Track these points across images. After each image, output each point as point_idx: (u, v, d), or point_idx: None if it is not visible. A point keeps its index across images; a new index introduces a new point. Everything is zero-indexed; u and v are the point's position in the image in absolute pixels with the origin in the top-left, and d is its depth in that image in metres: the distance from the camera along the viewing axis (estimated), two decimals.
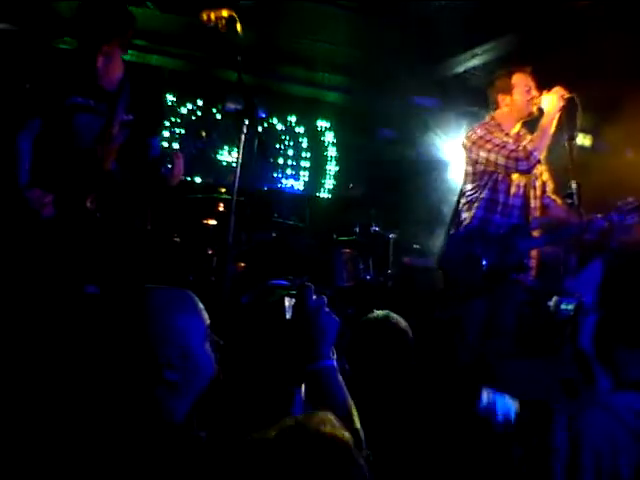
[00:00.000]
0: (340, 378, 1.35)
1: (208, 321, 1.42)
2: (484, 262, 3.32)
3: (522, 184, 3.47)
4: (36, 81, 3.17)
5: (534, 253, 3.47)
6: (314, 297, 1.39)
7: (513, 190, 3.45)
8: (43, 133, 3.13)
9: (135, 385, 1.29)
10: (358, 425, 1.30)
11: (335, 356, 1.38)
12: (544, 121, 3.29)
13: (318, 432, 0.93)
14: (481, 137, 3.43)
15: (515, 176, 3.42)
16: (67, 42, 5.50)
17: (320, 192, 6.92)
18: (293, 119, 6.75)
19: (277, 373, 1.47)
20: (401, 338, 2.29)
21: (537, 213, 3.53)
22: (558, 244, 3.35)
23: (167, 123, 6.27)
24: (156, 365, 1.29)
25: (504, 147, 3.33)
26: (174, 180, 3.32)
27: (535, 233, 3.47)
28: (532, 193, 3.50)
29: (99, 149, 3.19)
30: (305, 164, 6.86)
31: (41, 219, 3.02)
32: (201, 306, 1.43)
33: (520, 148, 3.30)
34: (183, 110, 6.35)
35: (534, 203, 3.51)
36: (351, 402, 1.34)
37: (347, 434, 0.96)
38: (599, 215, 3.23)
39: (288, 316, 1.42)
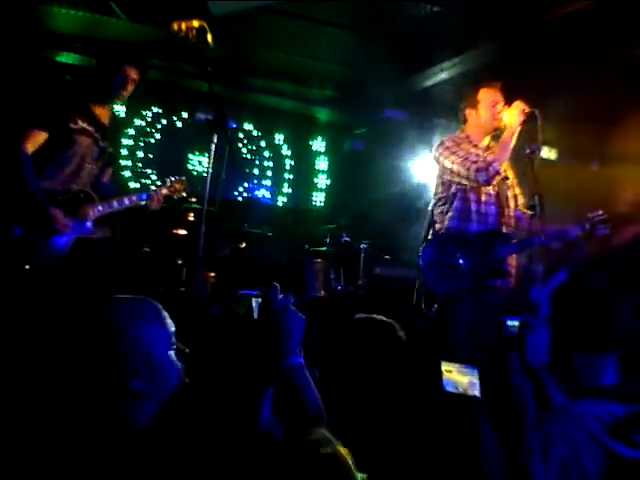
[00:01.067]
0: (308, 376, 1.36)
1: (173, 328, 1.43)
2: (463, 269, 3.33)
3: (493, 192, 3.50)
4: (46, 98, 3.36)
5: (512, 261, 3.49)
6: (280, 297, 1.41)
7: (484, 198, 3.48)
8: (45, 148, 3.26)
9: (101, 395, 1.29)
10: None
11: (302, 354, 1.39)
12: (505, 135, 3.37)
13: (318, 454, 0.93)
14: (447, 148, 3.49)
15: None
16: (64, 55, 5.52)
17: (292, 203, 6.94)
18: (270, 131, 6.78)
19: (246, 374, 1.47)
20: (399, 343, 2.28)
21: (512, 222, 3.56)
22: (530, 250, 3.37)
23: (132, 132, 6.25)
24: (122, 375, 1.29)
25: (466, 159, 3.39)
26: (152, 209, 3.62)
27: (514, 241, 3.50)
28: (506, 202, 3.54)
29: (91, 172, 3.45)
30: (282, 176, 6.87)
31: (57, 237, 3.20)
32: (165, 314, 1.44)
33: (480, 159, 3.37)
34: (152, 120, 6.32)
35: (508, 212, 3.54)
36: (320, 401, 1.34)
37: (344, 451, 0.95)
38: (572, 225, 3.30)
39: (255, 316, 1.43)
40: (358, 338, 2.25)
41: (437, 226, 3.57)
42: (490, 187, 3.48)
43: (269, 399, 1.44)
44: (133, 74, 3.41)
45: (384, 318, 2.37)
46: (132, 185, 6.18)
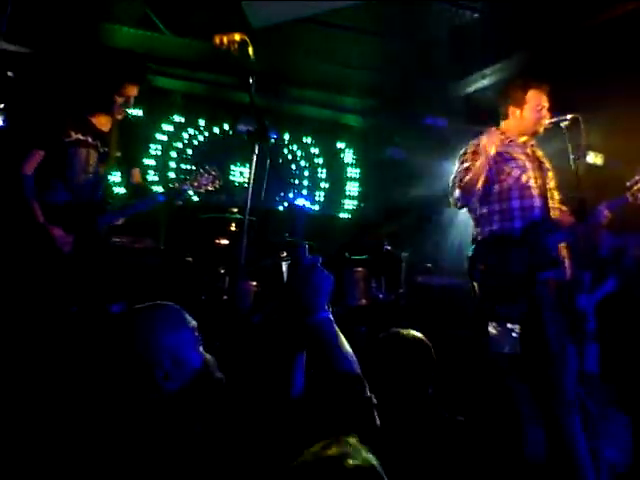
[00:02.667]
0: (338, 332, 1.38)
1: (194, 323, 1.49)
2: (516, 267, 3.20)
3: (535, 185, 3.35)
4: (40, 114, 3.35)
5: (563, 252, 3.30)
6: (308, 256, 1.43)
7: (526, 192, 3.32)
8: (44, 165, 3.27)
9: (135, 399, 1.36)
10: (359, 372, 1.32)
11: (331, 310, 1.41)
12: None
13: (342, 467, 0.89)
14: (460, 156, 3.43)
15: (524, 178, 3.32)
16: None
17: (332, 211, 6.97)
18: (308, 140, 6.85)
19: (277, 345, 1.49)
20: (427, 354, 2.25)
21: (557, 212, 3.40)
22: (582, 233, 3.24)
23: (180, 145, 6.36)
24: (154, 379, 1.36)
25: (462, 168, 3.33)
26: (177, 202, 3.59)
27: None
28: (549, 193, 3.38)
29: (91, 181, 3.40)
30: (318, 184, 6.92)
31: (63, 254, 3.18)
32: (184, 315, 1.49)
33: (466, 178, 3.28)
34: (194, 132, 6.43)
35: (552, 203, 3.39)
36: (354, 359, 1.35)
37: (374, 460, 0.93)
38: (614, 199, 3.23)
39: (285, 279, 1.46)
40: (385, 355, 2.23)
41: (483, 228, 3.44)
42: (531, 181, 3.37)
43: (301, 367, 1.46)
44: (133, 92, 3.38)
45: (416, 335, 2.34)
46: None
